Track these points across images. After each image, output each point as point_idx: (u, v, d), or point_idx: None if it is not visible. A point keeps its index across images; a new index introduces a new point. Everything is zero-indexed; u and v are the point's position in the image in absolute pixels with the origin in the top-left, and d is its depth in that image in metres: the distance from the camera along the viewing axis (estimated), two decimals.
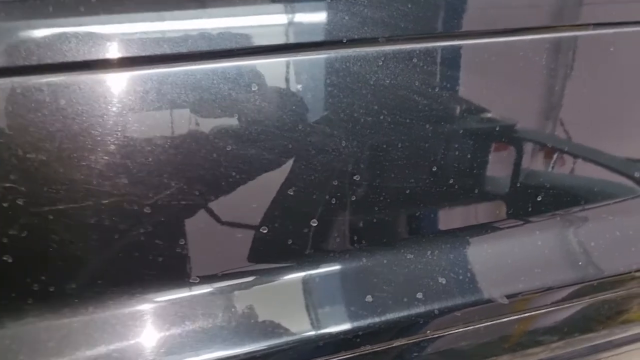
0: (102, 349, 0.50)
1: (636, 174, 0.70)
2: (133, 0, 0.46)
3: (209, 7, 0.48)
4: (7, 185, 0.46)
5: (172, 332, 0.52)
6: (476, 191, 0.61)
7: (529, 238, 0.66)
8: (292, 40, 0.51)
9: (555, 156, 0.65)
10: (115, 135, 0.48)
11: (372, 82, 0.54)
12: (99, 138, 0.47)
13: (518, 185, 0.63)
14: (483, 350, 0.65)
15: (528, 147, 0.64)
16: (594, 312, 0.71)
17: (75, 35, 0.45)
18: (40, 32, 0.44)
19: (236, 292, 0.55)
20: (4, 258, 0.48)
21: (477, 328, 0.63)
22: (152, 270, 0.52)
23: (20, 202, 0.47)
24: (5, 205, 0.47)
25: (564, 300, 0.67)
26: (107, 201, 0.49)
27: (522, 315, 0.65)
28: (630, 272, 0.70)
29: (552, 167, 0.65)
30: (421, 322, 0.59)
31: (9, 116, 0.45)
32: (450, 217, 0.62)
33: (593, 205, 0.69)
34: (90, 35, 0.45)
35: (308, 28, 0.52)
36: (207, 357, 0.52)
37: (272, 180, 0.54)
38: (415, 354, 0.61)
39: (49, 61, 0.45)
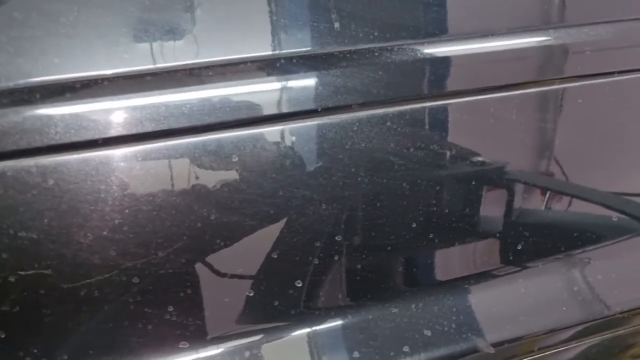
0: None
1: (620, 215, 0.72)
2: (114, 84, 0.48)
3: (187, 85, 0.51)
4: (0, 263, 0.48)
5: None
6: (456, 244, 0.63)
7: (513, 285, 0.67)
8: (269, 112, 0.54)
9: (540, 203, 0.67)
10: (101, 211, 0.50)
11: (347, 147, 0.56)
12: (85, 214, 0.49)
13: (498, 236, 0.65)
14: None
15: (508, 197, 0.66)
16: (601, 349, 0.72)
17: (61, 118, 0.48)
18: (28, 117, 0.47)
19: (225, 356, 0.56)
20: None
21: None
22: (141, 338, 0.53)
23: (12, 279, 0.49)
24: None
25: (556, 344, 0.68)
26: (95, 274, 0.51)
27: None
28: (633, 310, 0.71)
29: (539, 215, 0.67)
30: None
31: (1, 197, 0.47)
32: (431, 270, 0.64)
33: (581, 249, 0.70)
34: (76, 117, 0.48)
35: (284, 99, 0.54)
36: None
37: (255, 246, 0.55)
38: None
39: (38, 144, 0.48)
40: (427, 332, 0.62)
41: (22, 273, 0.49)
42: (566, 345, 0.70)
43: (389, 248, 0.60)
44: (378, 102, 0.57)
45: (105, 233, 0.50)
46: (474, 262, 0.66)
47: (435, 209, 0.61)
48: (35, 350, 0.51)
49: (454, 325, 0.63)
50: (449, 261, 0.65)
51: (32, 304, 0.50)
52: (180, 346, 0.55)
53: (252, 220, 0.55)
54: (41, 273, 0.49)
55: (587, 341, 0.71)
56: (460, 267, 0.65)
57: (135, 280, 0.52)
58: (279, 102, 0.54)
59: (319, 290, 0.58)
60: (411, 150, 0.59)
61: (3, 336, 0.50)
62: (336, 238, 0.58)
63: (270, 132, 0.54)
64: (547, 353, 0.70)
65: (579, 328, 0.68)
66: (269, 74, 0.53)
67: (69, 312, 0.51)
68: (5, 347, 0.51)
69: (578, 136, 0.67)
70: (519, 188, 0.66)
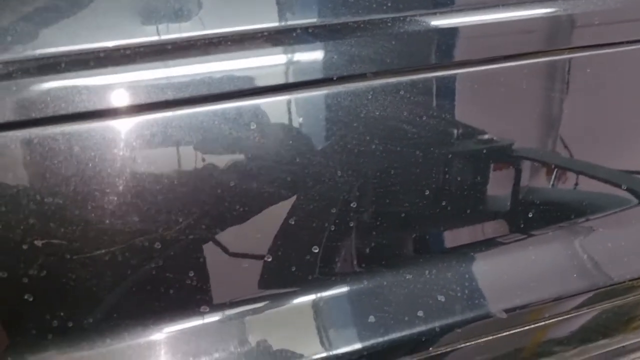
0: None
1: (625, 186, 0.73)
2: (137, 52, 0.50)
3: (208, 54, 0.52)
4: (27, 228, 0.50)
5: None
6: (469, 211, 0.65)
7: (524, 252, 0.69)
8: (286, 80, 0.55)
9: (551, 172, 0.68)
10: (125, 177, 0.51)
11: (362, 115, 0.57)
12: (110, 181, 0.51)
13: (512, 203, 0.66)
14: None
15: (520, 166, 0.67)
16: (606, 319, 0.73)
17: (87, 87, 0.49)
18: (55, 85, 0.48)
19: (244, 319, 0.58)
20: (25, 297, 0.51)
21: (479, 343, 0.65)
22: (164, 302, 0.55)
23: (38, 243, 0.50)
24: (25, 247, 0.50)
25: (566, 311, 0.69)
26: (120, 239, 0.52)
27: (528, 327, 0.67)
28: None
29: (550, 183, 0.68)
30: (423, 339, 0.62)
31: (28, 164, 0.49)
32: (445, 237, 0.65)
33: (590, 217, 0.72)
34: (101, 86, 0.49)
35: (301, 68, 0.55)
36: None
37: (273, 212, 0.57)
38: None
39: (63, 112, 0.49)
40: (441, 298, 0.63)
41: (49, 238, 0.51)
42: (576, 313, 0.71)
43: (402, 215, 0.61)
44: (391, 71, 0.58)
45: (129, 199, 0.51)
46: (485, 230, 0.67)
47: (447, 176, 0.62)
48: (62, 314, 0.53)
49: (467, 292, 0.65)
50: (461, 228, 0.66)
51: (58, 268, 0.52)
52: (201, 310, 0.56)
53: (270, 187, 0.56)
54: (67, 238, 0.51)
55: (595, 308, 0.72)
56: (472, 235, 0.66)
57: (158, 245, 0.53)
58: (295, 71, 0.55)
59: (335, 256, 0.60)
60: (424, 118, 0.60)
61: (31, 300, 0.51)
62: (351, 205, 0.59)
63: (288, 100, 0.55)
64: (556, 320, 0.71)
65: (589, 295, 0.69)
66: (286, 44, 0.54)
67: (94, 277, 0.53)
68: (32, 311, 0.52)
69: (588, 107, 0.68)
70: (530, 156, 0.67)
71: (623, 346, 0.80)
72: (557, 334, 0.73)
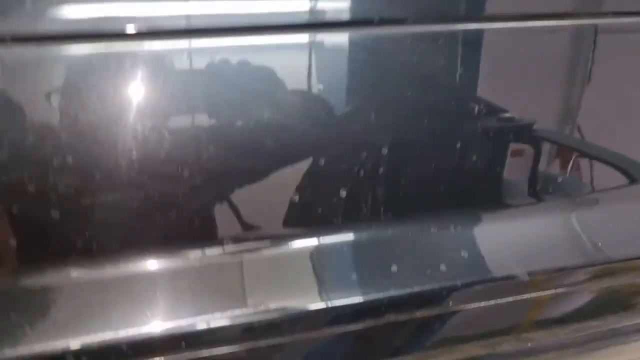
0: (143, 302, 0.53)
1: None
2: None
3: None
4: (59, 143, 0.50)
5: (204, 289, 0.55)
6: (499, 169, 0.64)
7: (551, 218, 0.68)
8: (328, 19, 0.54)
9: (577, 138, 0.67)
10: (157, 100, 0.51)
11: (399, 61, 0.56)
12: (142, 102, 0.50)
13: (539, 165, 0.66)
14: (505, 325, 0.67)
15: (543, 140, 0.66)
16: (617, 294, 0.72)
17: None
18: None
19: (265, 257, 0.57)
20: (52, 214, 0.51)
21: (498, 304, 0.65)
22: (188, 232, 0.55)
23: (69, 159, 0.50)
24: (55, 164, 0.50)
25: (585, 281, 0.68)
26: (147, 164, 0.52)
27: (544, 294, 0.66)
28: None
29: (574, 149, 0.67)
30: (444, 294, 0.61)
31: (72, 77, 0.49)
32: (474, 194, 0.64)
33: (610, 187, 0.70)
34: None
35: (343, 7, 0.55)
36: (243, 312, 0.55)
37: (304, 151, 0.56)
38: (437, 326, 0.63)
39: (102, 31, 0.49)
40: (465, 254, 0.62)
41: (80, 156, 0.50)
42: (591, 282, 0.70)
43: (432, 166, 0.61)
44: (432, 19, 0.57)
45: (161, 121, 0.51)
46: (514, 191, 0.66)
47: (480, 131, 0.61)
48: (88, 234, 0.53)
49: (491, 250, 0.64)
50: (491, 187, 0.65)
51: (86, 188, 0.51)
52: (224, 244, 0.56)
53: (303, 124, 0.55)
54: (98, 157, 0.51)
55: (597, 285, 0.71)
56: (501, 194, 0.65)
57: (186, 173, 0.53)
58: (337, 10, 0.54)
59: (361, 202, 0.59)
60: (461, 70, 0.59)
61: (58, 216, 0.51)
62: (382, 151, 0.58)
63: (327, 38, 0.54)
64: (572, 289, 0.70)
65: (612, 265, 0.68)
66: None
67: (122, 200, 0.52)
68: (58, 229, 0.52)
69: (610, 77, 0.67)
70: (554, 118, 0.66)
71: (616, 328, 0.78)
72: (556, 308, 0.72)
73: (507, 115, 0.62)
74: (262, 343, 0.56)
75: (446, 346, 0.67)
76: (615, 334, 0.78)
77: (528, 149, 0.66)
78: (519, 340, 0.71)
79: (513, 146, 0.65)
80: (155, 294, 0.55)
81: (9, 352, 0.50)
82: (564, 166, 0.69)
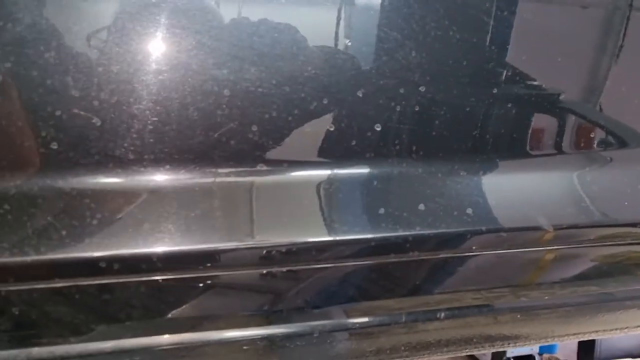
0: (178, 214, 0.54)
1: None
2: None
3: None
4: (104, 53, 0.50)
5: (236, 212, 0.56)
6: (532, 119, 0.64)
7: (580, 173, 0.68)
8: None
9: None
10: (201, 20, 0.51)
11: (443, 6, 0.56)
12: (187, 22, 0.51)
13: (572, 119, 0.66)
14: (511, 278, 0.68)
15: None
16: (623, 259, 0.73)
17: None
18: None
19: (296, 182, 0.58)
20: (93, 121, 0.52)
21: (518, 253, 0.65)
22: (225, 152, 0.55)
23: (115, 69, 0.51)
24: (100, 69, 0.51)
25: (605, 238, 0.69)
26: (191, 80, 0.52)
27: (560, 249, 0.67)
28: None
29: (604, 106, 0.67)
30: (468, 237, 0.62)
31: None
32: (505, 145, 0.64)
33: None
34: None
35: None
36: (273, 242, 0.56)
37: (343, 80, 0.57)
38: (458, 268, 0.64)
39: None
40: (491, 201, 0.63)
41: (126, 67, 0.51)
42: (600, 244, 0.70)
43: (467, 109, 0.61)
44: None
45: (205, 43, 0.51)
46: (545, 142, 0.66)
47: (518, 78, 0.61)
48: (125, 144, 0.53)
49: (517, 200, 0.64)
50: (521, 139, 0.65)
51: (130, 98, 0.52)
52: (258, 167, 0.56)
53: (342, 55, 0.56)
54: (141, 71, 0.51)
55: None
56: (529, 148, 0.66)
57: (227, 92, 0.54)
58: None
59: (394, 138, 0.59)
60: (499, 10, 0.59)
61: (98, 124, 0.52)
62: (420, 88, 0.59)
63: None
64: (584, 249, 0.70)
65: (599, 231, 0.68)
66: None
67: (162, 114, 0.53)
68: (97, 136, 0.53)
69: None
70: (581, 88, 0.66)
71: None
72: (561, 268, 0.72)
73: (544, 65, 0.62)
74: (297, 268, 0.57)
75: (450, 292, 0.67)
76: (615, 300, 0.78)
77: (555, 111, 0.66)
78: (516, 296, 0.71)
79: (540, 106, 0.65)
80: (181, 211, 0.55)
81: (45, 254, 0.51)
82: (588, 132, 0.69)
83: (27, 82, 0.50)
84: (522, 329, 0.75)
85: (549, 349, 4.02)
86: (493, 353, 3.99)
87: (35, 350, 0.56)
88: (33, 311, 0.54)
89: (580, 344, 3.75)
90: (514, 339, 0.76)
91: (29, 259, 0.51)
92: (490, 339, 0.74)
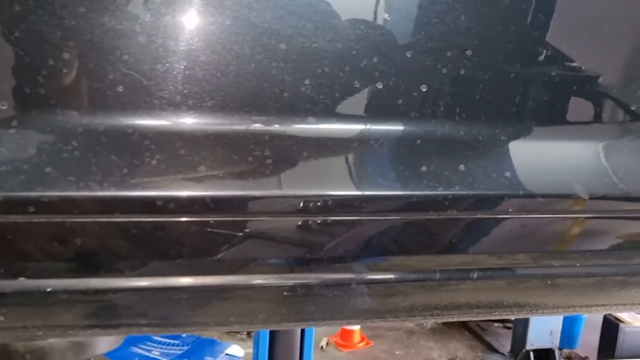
0: (232, 160, 0.57)
1: None
2: None
3: None
4: None
5: (285, 162, 0.59)
6: (573, 88, 0.65)
7: (618, 143, 0.69)
8: None
9: None
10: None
11: None
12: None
13: (612, 89, 0.67)
14: (552, 242, 0.70)
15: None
16: None
17: None
18: None
19: (342, 136, 0.60)
20: (157, 67, 0.55)
21: (553, 219, 0.67)
22: (277, 104, 0.58)
23: (177, 19, 0.54)
24: (165, 19, 0.54)
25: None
26: (250, 32, 0.55)
27: (598, 217, 0.69)
28: None
29: None
30: (505, 199, 0.64)
31: None
32: (547, 109, 0.66)
33: None
34: None
35: None
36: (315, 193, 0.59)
37: (393, 40, 0.59)
38: (494, 229, 0.66)
39: None
40: (530, 167, 0.65)
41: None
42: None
43: (511, 75, 0.63)
44: None
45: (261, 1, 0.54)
46: (583, 112, 0.68)
47: (561, 44, 0.63)
48: (183, 90, 0.56)
49: (556, 167, 0.66)
50: (562, 109, 0.67)
51: (188, 51, 0.55)
52: (308, 120, 0.59)
53: (393, 15, 0.58)
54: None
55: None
56: (572, 113, 0.67)
57: (283, 46, 0.56)
58: None
59: (439, 99, 0.62)
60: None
61: (162, 69, 0.55)
62: (467, 52, 0.61)
63: None
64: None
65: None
66: None
67: (220, 69, 0.56)
68: (159, 84, 0.56)
69: None
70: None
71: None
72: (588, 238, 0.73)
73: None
74: (339, 219, 0.60)
75: (484, 253, 0.69)
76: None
77: (595, 81, 0.67)
78: (547, 262, 0.73)
79: (580, 76, 0.66)
80: (234, 157, 0.58)
81: (107, 189, 0.55)
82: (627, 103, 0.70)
83: (94, 26, 0.53)
84: (551, 297, 0.76)
85: (570, 344, 4.01)
86: (512, 345, 3.99)
87: (93, 281, 0.60)
88: (93, 243, 0.57)
89: (602, 340, 3.73)
90: (543, 306, 0.78)
91: (93, 193, 0.55)
92: (518, 305, 0.76)
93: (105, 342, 0.93)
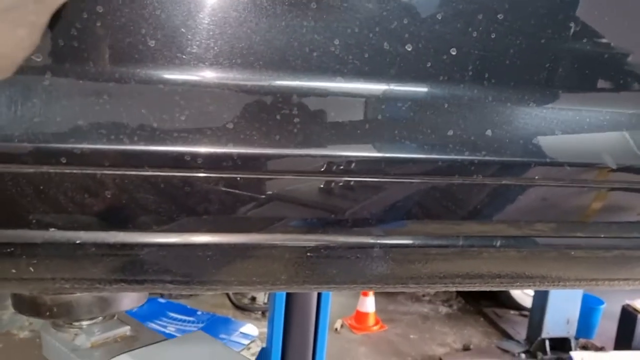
0: (260, 118, 0.58)
1: None
2: None
3: None
4: None
5: (312, 121, 0.59)
6: (604, 57, 0.64)
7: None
8: None
9: None
10: None
11: None
12: None
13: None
14: (576, 212, 0.69)
15: None
16: None
17: None
18: None
19: (373, 99, 0.60)
20: (188, 22, 0.55)
21: (579, 188, 0.67)
22: (305, 62, 0.58)
23: None
24: None
25: None
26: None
27: (625, 187, 0.68)
28: None
29: None
30: (532, 166, 0.63)
31: None
32: (577, 77, 0.65)
33: None
34: None
35: None
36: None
37: (423, 2, 0.59)
38: (519, 197, 0.66)
39: None
40: (558, 134, 0.64)
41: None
42: None
43: (542, 41, 0.62)
44: None
45: None
46: (612, 81, 0.67)
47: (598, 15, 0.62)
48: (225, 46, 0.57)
49: (585, 136, 0.65)
50: (593, 79, 0.66)
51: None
52: (336, 80, 0.59)
53: None
54: None
55: None
56: (601, 82, 0.66)
57: (313, 5, 0.56)
58: None
59: (468, 64, 0.61)
60: None
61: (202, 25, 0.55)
62: (498, 16, 0.60)
63: None
64: None
65: None
66: None
67: (249, 27, 0.56)
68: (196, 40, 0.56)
69: None
70: None
71: None
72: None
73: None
74: (365, 180, 0.60)
75: (508, 221, 0.69)
76: None
77: (627, 50, 0.66)
78: (571, 233, 0.72)
79: (612, 44, 0.65)
80: (262, 115, 0.59)
81: (137, 143, 0.56)
82: None
83: None
84: (574, 269, 0.76)
85: (586, 333, 3.98)
86: (528, 333, 3.98)
87: (121, 235, 0.61)
88: (122, 197, 0.58)
89: (619, 331, 3.69)
90: (565, 279, 0.78)
91: (123, 147, 0.56)
92: (540, 276, 0.76)
93: (129, 300, 0.95)
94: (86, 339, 0.98)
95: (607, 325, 4.05)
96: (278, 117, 0.58)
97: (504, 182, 0.64)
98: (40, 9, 0.37)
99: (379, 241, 0.66)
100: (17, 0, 0.34)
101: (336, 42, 0.58)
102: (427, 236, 0.67)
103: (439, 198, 0.64)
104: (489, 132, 0.62)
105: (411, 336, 4.29)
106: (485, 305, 4.77)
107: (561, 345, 3.83)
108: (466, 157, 0.61)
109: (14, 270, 0.62)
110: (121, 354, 0.90)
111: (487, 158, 0.62)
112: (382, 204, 0.63)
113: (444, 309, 4.84)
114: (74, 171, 0.56)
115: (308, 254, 0.65)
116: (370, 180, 0.61)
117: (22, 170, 0.55)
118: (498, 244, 0.69)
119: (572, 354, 3.57)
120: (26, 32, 0.38)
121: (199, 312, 4.45)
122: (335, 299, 4.15)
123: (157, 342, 0.96)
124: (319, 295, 2.87)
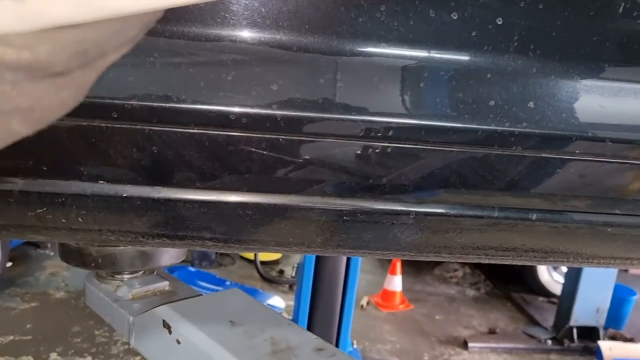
0: (304, 82, 0.59)
1: None
2: None
3: None
4: None
5: (356, 88, 0.60)
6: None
7: None
8: None
9: None
10: None
11: None
12: None
13: None
14: (616, 189, 0.69)
15: None
16: None
17: None
18: None
19: (417, 67, 0.61)
20: None
21: (620, 164, 0.66)
22: (350, 28, 0.59)
23: None
24: None
25: None
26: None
27: None
28: None
29: None
30: (573, 140, 0.63)
31: None
32: (625, 52, 0.64)
33: None
34: None
35: None
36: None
37: None
38: (558, 170, 0.66)
39: None
40: (602, 109, 0.64)
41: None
42: None
43: (590, 13, 0.61)
44: None
45: None
46: None
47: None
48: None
49: (630, 111, 0.65)
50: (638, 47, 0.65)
51: None
52: (381, 46, 0.60)
53: None
54: None
55: None
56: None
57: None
58: None
59: (514, 34, 0.61)
60: None
61: None
62: None
63: None
64: None
65: None
66: None
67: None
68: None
69: None
70: None
71: None
72: None
73: None
74: (405, 146, 0.61)
75: (546, 195, 0.69)
76: None
77: None
78: (610, 209, 0.72)
79: None
80: (307, 80, 0.60)
81: (184, 102, 0.58)
82: None
83: None
84: (609, 247, 0.76)
85: (616, 324, 3.93)
86: (555, 320, 3.94)
87: (165, 190, 0.63)
88: (168, 153, 0.61)
89: None
90: (599, 257, 0.77)
91: (171, 104, 0.58)
92: (575, 253, 0.76)
93: (168, 256, 0.98)
94: (127, 291, 1.02)
95: (638, 317, 3.99)
96: (322, 80, 0.59)
97: (543, 155, 0.64)
98: (86, 74, 0.39)
99: (414, 209, 0.67)
100: (63, 68, 0.35)
101: (382, 7, 0.58)
102: (462, 206, 0.68)
103: (477, 168, 0.65)
104: (531, 104, 0.62)
105: (437, 317, 4.31)
106: (513, 290, 4.74)
107: (589, 334, 3.79)
108: (506, 128, 0.62)
109: (64, 220, 0.65)
110: (161, 304, 0.93)
111: (527, 130, 0.62)
112: (419, 172, 0.64)
113: (471, 292, 4.83)
114: (124, 126, 0.58)
115: (344, 217, 0.67)
116: (409, 147, 0.62)
117: (75, 123, 0.58)
118: (534, 217, 0.69)
119: (600, 343, 3.53)
120: (71, 94, 0.40)
121: (227, 282, 4.54)
122: (362, 277, 4.19)
123: (195, 296, 1.00)
124: (347, 271, 2.90)
